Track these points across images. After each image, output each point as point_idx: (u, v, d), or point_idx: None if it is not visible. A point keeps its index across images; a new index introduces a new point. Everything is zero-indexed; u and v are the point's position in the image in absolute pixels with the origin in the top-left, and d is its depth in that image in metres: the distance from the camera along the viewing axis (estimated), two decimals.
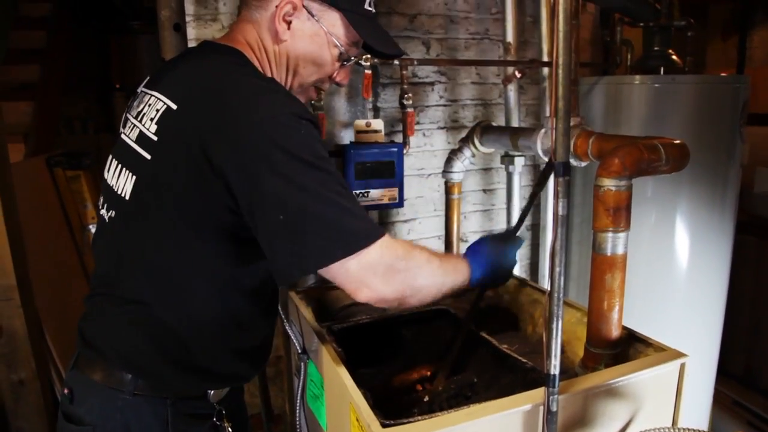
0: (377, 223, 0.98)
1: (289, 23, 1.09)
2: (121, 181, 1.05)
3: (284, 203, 0.91)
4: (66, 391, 1.11)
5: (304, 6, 1.08)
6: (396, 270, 0.99)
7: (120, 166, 1.07)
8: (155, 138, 1.00)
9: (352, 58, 1.18)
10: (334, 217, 0.92)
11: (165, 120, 1.00)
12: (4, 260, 2.10)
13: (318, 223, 0.91)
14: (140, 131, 1.03)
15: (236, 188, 0.93)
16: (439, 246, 2.56)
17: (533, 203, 1.42)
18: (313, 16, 1.09)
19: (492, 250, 1.21)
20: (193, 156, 0.93)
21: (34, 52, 4.17)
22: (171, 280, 1.03)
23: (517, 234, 1.35)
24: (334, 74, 1.18)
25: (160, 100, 1.02)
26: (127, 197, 1.03)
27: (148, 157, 1.00)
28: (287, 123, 0.94)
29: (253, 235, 0.96)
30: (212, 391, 1.14)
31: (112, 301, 1.08)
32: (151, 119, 1.02)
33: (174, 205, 0.98)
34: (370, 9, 1.15)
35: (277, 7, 1.07)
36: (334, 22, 1.11)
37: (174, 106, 0.99)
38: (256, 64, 1.10)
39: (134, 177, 1.03)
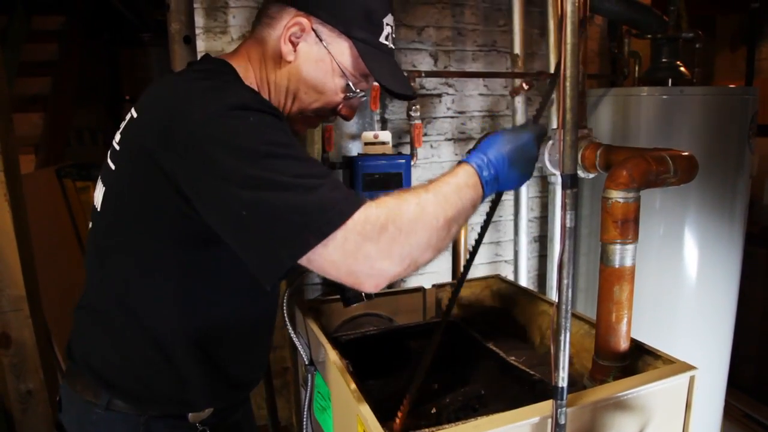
0: (356, 195, 0.86)
1: (295, 45, 1.03)
2: (97, 193, 1.06)
3: (239, 202, 0.82)
4: (58, 399, 1.13)
5: (313, 29, 1.02)
6: (390, 238, 0.83)
7: (99, 180, 1.08)
8: (118, 148, 1.01)
9: (360, 92, 1.09)
10: (298, 201, 0.81)
11: (127, 130, 1.01)
12: (13, 271, 2.11)
13: (279, 212, 0.81)
14: (113, 145, 1.05)
15: (192, 195, 0.88)
16: (446, 257, 2.55)
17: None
18: (321, 40, 1.02)
19: (500, 141, 1.00)
20: (144, 164, 0.91)
21: (46, 64, 4.23)
22: (135, 292, 1.00)
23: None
24: (339, 107, 1.11)
25: (130, 112, 1.02)
26: (99, 208, 1.04)
27: (113, 167, 1.01)
28: (231, 117, 0.86)
29: (215, 244, 0.90)
30: (190, 413, 1.08)
31: (87, 313, 1.09)
32: (119, 131, 1.04)
33: (133, 213, 0.96)
34: (385, 43, 1.06)
35: (285, 27, 1.02)
36: (343, 51, 1.03)
37: (135, 115, 1.00)
38: (252, 79, 1.06)
39: (104, 188, 1.04)
